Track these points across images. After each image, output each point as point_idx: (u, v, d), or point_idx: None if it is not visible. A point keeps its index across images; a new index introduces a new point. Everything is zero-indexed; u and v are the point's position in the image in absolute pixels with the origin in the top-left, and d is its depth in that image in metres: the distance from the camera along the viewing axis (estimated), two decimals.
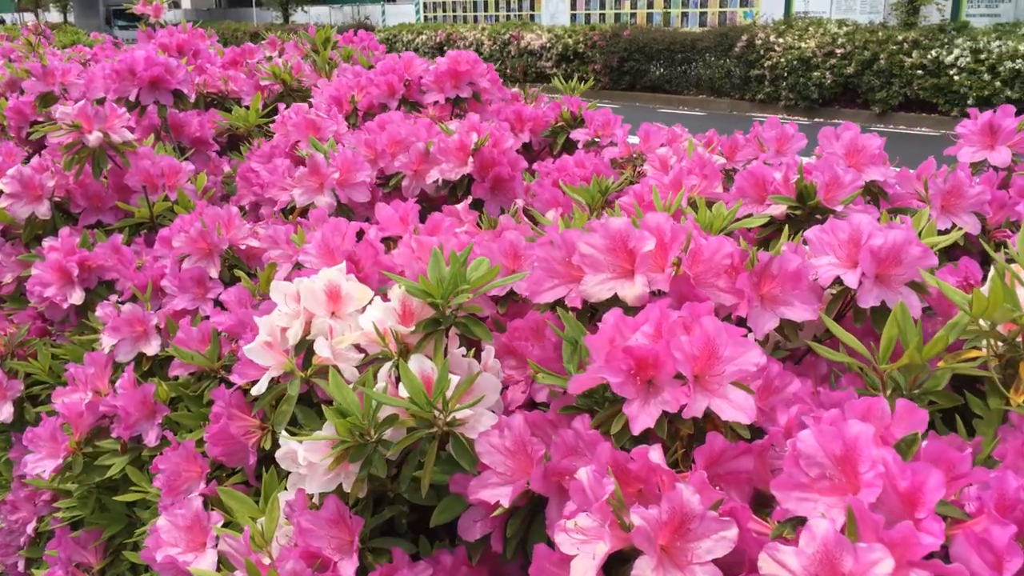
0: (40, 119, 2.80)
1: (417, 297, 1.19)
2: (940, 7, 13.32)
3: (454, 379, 1.11)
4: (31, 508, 2.01)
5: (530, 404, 1.32)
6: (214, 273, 1.80)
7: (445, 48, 18.57)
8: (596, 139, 2.33)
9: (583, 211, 1.73)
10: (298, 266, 1.61)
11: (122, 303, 1.83)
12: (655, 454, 0.88)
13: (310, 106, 2.44)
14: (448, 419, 1.09)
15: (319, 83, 2.78)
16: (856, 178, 1.54)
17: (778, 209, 1.55)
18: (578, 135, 2.36)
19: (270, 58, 3.35)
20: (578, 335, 1.14)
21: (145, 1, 4.10)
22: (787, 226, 1.33)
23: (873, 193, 1.67)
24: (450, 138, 1.93)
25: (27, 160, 2.45)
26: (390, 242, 1.68)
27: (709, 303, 1.02)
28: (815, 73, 12.89)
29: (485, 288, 1.22)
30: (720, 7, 17.16)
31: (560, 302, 1.24)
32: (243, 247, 1.86)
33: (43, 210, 2.17)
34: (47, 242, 2.06)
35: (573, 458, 1.00)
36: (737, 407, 0.93)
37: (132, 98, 2.41)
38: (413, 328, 1.20)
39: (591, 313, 1.24)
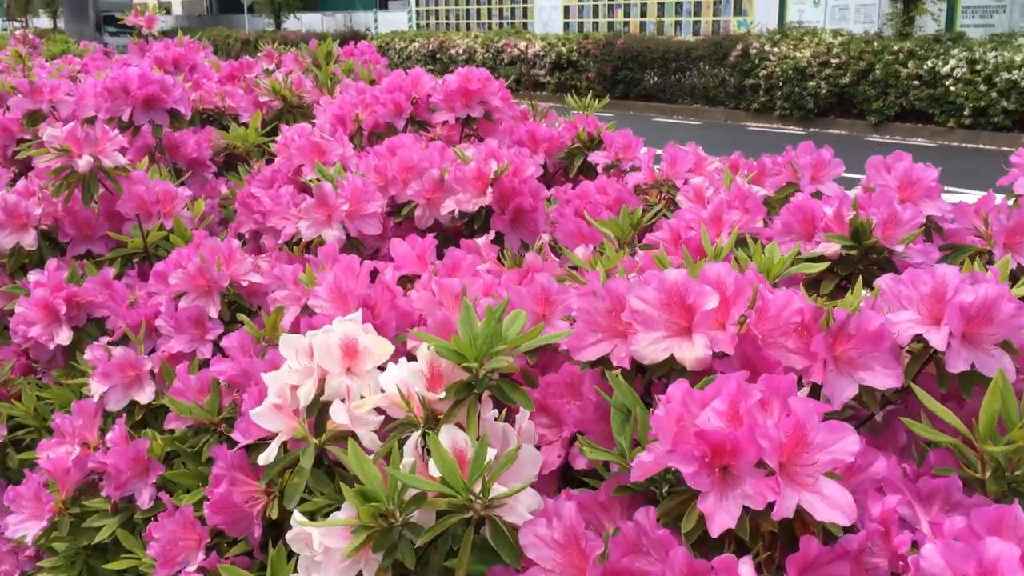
0: (27, 137, 2.66)
1: (448, 359, 1.06)
2: (935, 17, 13.26)
3: (490, 452, 0.99)
4: (13, 561, 1.86)
5: (564, 467, 1.20)
6: (214, 313, 1.66)
7: (438, 56, 18.46)
8: (616, 162, 2.20)
9: (614, 247, 1.61)
10: (307, 308, 1.47)
11: (113, 344, 1.69)
12: (746, 569, 0.75)
13: (313, 125, 2.31)
14: (486, 501, 0.96)
15: (321, 100, 2.65)
16: (916, 215, 1.42)
17: (831, 248, 1.42)
18: (597, 158, 2.22)
19: (268, 72, 3.21)
20: (631, 403, 1.01)
21: (137, 11, 3.96)
22: (860, 277, 1.19)
23: (927, 228, 1.54)
24: (467, 167, 1.80)
25: (13, 182, 2.30)
26: (406, 281, 1.55)
27: (791, 376, 0.89)
28: (810, 83, 12.79)
29: (524, 348, 1.09)
30: (714, 16, 17.07)
31: (603, 359, 1.12)
32: (245, 284, 1.72)
33: (29, 240, 2.02)
34: (33, 275, 1.91)
35: (635, 557, 0.87)
36: (833, 505, 0.80)
37: (125, 118, 2.27)
38: (443, 395, 1.06)
39: (639, 371, 1.12)
